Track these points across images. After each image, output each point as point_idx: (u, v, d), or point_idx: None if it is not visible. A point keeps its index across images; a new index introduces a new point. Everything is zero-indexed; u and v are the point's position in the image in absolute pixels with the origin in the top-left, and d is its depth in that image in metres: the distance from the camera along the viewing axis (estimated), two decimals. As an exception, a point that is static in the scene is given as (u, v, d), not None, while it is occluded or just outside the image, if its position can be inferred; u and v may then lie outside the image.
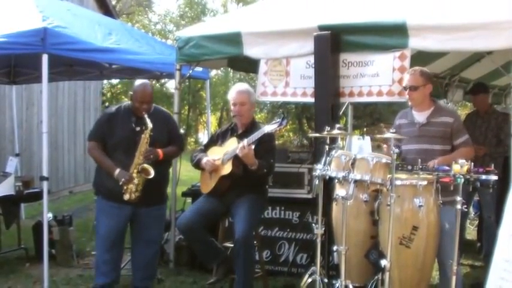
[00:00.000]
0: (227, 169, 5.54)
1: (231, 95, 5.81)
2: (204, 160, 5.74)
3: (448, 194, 4.65)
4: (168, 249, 7.25)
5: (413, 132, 5.32)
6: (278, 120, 5.32)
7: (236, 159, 5.45)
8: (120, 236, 5.85)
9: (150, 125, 5.56)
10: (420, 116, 5.35)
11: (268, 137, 5.58)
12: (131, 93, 5.74)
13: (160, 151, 5.63)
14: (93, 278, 6.11)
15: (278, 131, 5.38)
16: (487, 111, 7.38)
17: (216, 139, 5.98)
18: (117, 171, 5.53)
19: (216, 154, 5.76)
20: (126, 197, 5.52)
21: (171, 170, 6.99)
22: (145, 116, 5.60)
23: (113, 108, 5.98)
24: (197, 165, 5.84)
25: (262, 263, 6.05)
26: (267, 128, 5.34)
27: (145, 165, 5.50)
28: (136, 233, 5.94)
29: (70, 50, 6.40)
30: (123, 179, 5.48)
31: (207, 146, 6.02)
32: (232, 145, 5.59)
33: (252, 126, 5.74)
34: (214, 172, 5.69)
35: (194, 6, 32.49)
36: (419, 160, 4.75)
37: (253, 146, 5.35)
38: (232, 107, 5.81)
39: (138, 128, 5.63)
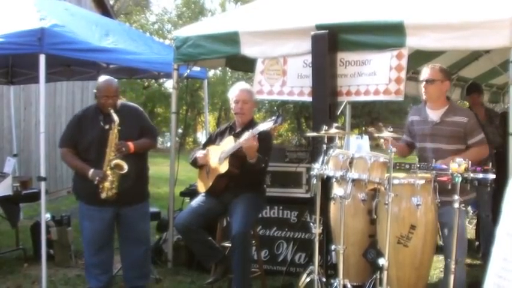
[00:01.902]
0: (224, 168, 5.54)
1: (234, 92, 5.80)
2: (198, 154, 5.77)
3: (448, 194, 4.64)
4: (166, 249, 7.25)
5: (426, 130, 5.26)
6: (273, 118, 5.29)
7: (233, 158, 5.45)
8: (107, 238, 5.81)
9: (116, 119, 5.51)
10: (434, 114, 5.27)
11: (266, 136, 5.58)
12: (95, 90, 5.73)
13: (131, 144, 5.55)
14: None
15: (274, 129, 5.35)
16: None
17: (215, 138, 5.98)
18: (91, 171, 5.48)
19: (213, 153, 5.77)
20: (103, 195, 5.46)
21: (168, 170, 7.01)
22: (111, 111, 5.55)
23: (81, 111, 5.97)
24: (194, 163, 5.86)
25: (261, 262, 6.05)
26: (262, 126, 5.30)
27: (118, 161, 5.45)
28: (122, 233, 5.91)
29: (67, 50, 6.37)
30: (97, 178, 5.42)
31: (206, 145, 6.01)
32: (228, 144, 5.58)
33: (250, 125, 5.71)
34: (211, 171, 5.70)
35: (192, 6, 32.48)
36: (417, 159, 4.75)
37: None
38: (233, 105, 5.81)
39: (107, 126, 5.57)
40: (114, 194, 5.48)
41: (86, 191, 5.61)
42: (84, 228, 5.79)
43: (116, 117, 5.50)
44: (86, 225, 5.75)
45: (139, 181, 5.78)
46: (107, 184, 5.45)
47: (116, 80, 5.88)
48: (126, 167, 5.43)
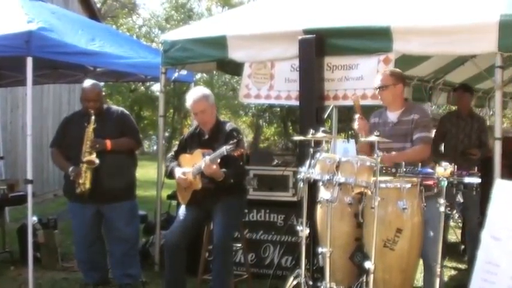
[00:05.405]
0: (198, 185, 5.52)
1: (189, 104, 5.68)
2: (177, 175, 5.68)
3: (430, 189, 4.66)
4: (153, 252, 7.24)
5: (387, 131, 5.25)
6: (234, 141, 5.18)
7: (204, 175, 5.43)
8: (91, 235, 6.10)
9: (92, 118, 5.78)
10: (393, 116, 5.33)
11: (236, 135, 5.53)
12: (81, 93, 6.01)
13: (108, 141, 5.80)
14: (78, 281, 6.46)
15: (238, 153, 5.25)
16: (469, 113, 7.35)
17: (185, 144, 5.91)
18: (70, 168, 5.79)
19: (186, 164, 5.70)
20: (78, 190, 5.74)
21: (155, 173, 7.01)
22: (92, 112, 5.80)
23: (71, 113, 6.42)
24: (171, 176, 5.82)
25: (248, 265, 6.07)
26: (226, 149, 5.17)
27: (89, 157, 5.70)
28: (106, 231, 6.20)
29: (55, 53, 6.37)
30: (73, 174, 5.73)
31: (178, 153, 5.91)
32: (197, 158, 5.52)
33: (216, 129, 5.69)
34: (187, 185, 5.67)
35: (180, 10, 32.43)
36: (404, 163, 4.77)
37: (217, 161, 5.28)
38: (194, 116, 5.80)
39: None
40: (87, 189, 5.72)
41: (69, 188, 5.89)
42: (72, 225, 6.18)
43: (92, 118, 5.79)
44: (73, 223, 6.14)
45: (120, 180, 5.93)
46: (81, 180, 5.71)
47: (100, 84, 6.13)
48: (96, 161, 5.69)
